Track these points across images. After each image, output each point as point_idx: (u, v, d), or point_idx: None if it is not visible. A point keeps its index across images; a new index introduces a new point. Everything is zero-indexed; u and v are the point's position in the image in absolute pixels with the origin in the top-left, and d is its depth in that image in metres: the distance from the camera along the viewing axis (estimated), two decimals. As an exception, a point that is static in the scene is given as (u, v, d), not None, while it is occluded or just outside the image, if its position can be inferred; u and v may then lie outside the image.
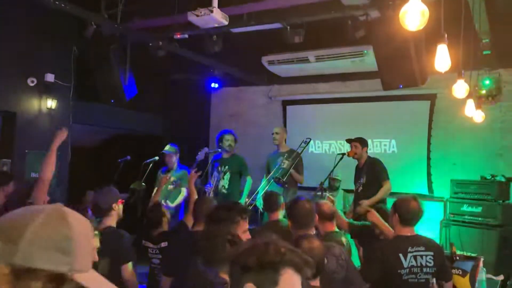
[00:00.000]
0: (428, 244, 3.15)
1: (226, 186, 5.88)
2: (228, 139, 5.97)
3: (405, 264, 3.05)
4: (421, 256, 3.08)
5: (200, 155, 5.76)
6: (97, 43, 6.02)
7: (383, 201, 5.35)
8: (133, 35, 5.85)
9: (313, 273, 2.34)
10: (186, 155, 6.37)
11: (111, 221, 3.32)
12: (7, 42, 5.83)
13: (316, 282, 2.40)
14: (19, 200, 3.45)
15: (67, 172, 6.54)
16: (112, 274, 2.83)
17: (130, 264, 3.16)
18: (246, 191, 5.88)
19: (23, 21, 5.92)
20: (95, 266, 2.38)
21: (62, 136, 3.83)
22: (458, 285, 3.61)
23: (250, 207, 5.65)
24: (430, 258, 3.08)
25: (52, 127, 6.33)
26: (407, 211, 3.17)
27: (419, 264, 3.06)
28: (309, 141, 5.99)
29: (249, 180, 5.92)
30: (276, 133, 6.12)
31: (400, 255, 3.06)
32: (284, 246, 1.42)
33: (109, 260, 2.92)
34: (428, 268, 3.07)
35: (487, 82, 6.20)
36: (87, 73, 6.51)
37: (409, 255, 3.07)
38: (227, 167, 5.93)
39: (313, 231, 3.05)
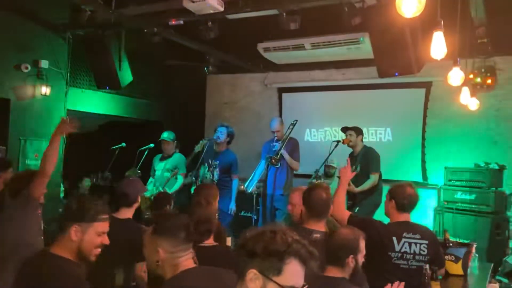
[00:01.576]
0: (423, 232, 3.17)
1: (216, 181, 5.82)
2: (219, 131, 5.95)
3: (397, 248, 3.08)
4: (415, 243, 3.10)
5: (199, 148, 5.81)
6: (92, 29, 5.98)
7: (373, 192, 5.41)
8: (128, 21, 5.80)
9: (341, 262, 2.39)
10: (182, 142, 6.36)
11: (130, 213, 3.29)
12: (1, 29, 5.76)
13: (343, 273, 2.43)
14: (17, 190, 3.35)
15: (62, 159, 6.52)
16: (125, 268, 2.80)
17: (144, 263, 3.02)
18: (234, 194, 5.86)
19: (17, 7, 5.85)
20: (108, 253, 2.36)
21: (65, 126, 3.30)
22: (451, 271, 3.66)
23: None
24: (424, 247, 3.10)
25: (47, 113, 6.32)
26: (403, 197, 3.19)
27: (412, 251, 3.08)
28: (295, 123, 5.98)
29: (235, 182, 5.90)
30: (277, 131, 6.08)
31: (394, 238, 3.09)
32: (292, 236, 1.45)
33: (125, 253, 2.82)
34: (421, 256, 3.09)
35: (482, 70, 6.22)
36: (82, 60, 6.47)
37: (403, 240, 3.09)
38: (217, 161, 5.89)
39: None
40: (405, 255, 3.08)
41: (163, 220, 2.16)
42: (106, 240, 2.20)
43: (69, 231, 2.12)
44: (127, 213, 3.26)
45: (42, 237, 3.50)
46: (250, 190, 5.95)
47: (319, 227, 2.88)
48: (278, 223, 3.74)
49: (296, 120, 5.99)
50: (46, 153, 3.25)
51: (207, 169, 5.90)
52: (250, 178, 6.01)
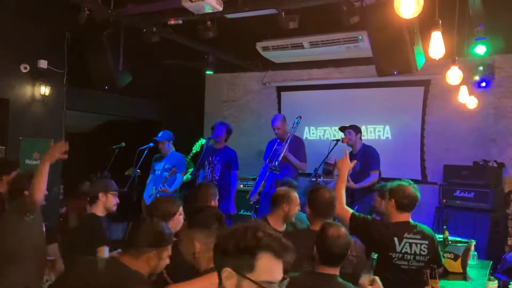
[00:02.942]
0: (424, 233, 3.17)
1: (217, 178, 5.88)
2: (218, 129, 5.98)
3: (398, 249, 3.08)
4: (416, 244, 3.09)
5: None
6: (90, 28, 5.96)
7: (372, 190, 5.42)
8: (127, 20, 5.79)
9: (336, 261, 2.39)
10: (181, 141, 6.37)
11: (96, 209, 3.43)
12: (-1, 28, 5.76)
13: (336, 271, 2.43)
14: (18, 191, 3.35)
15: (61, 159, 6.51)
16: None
17: (104, 248, 3.22)
18: (233, 193, 5.89)
19: (15, 6, 5.84)
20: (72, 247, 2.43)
21: (55, 152, 3.20)
22: (450, 269, 3.68)
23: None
24: (424, 247, 3.10)
25: (45, 113, 6.32)
26: (403, 196, 3.18)
27: (413, 252, 3.08)
28: (299, 120, 5.99)
29: (234, 177, 5.93)
30: (278, 128, 6.09)
31: (395, 238, 3.08)
32: (264, 231, 1.41)
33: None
34: (421, 257, 3.09)
35: (481, 68, 6.23)
36: (81, 59, 6.46)
37: (404, 240, 3.09)
38: (218, 158, 5.92)
39: None
40: (405, 255, 3.08)
41: (196, 213, 2.22)
42: (168, 261, 2.30)
43: (146, 255, 2.20)
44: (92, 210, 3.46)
45: (44, 238, 3.51)
46: (252, 199, 5.91)
47: None
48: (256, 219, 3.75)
49: (300, 117, 5.98)
50: (34, 180, 3.14)
51: (207, 167, 5.92)
52: (253, 186, 6.03)
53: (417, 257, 3.09)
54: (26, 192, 3.26)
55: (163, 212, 2.78)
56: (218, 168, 5.90)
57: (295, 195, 3.65)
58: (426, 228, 3.30)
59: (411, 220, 3.23)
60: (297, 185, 4.71)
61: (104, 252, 3.18)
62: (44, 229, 3.53)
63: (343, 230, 2.46)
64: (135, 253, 2.20)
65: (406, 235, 3.10)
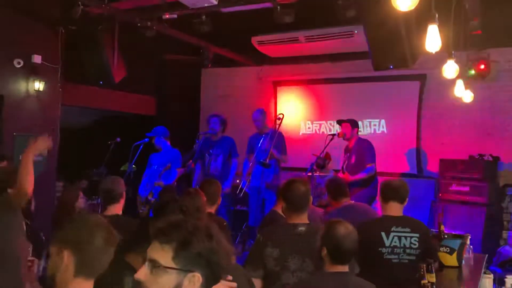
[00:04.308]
0: (414, 225, 3.17)
1: (219, 169, 5.93)
2: (212, 122, 6.02)
3: (387, 243, 3.08)
4: (406, 237, 3.09)
5: (196, 148, 5.86)
6: (85, 23, 5.93)
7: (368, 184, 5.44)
8: (121, 15, 5.76)
9: (348, 258, 2.39)
10: (177, 136, 6.35)
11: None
12: (-8, 23, 5.71)
13: (346, 268, 2.42)
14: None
15: (57, 154, 6.49)
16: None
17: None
18: (231, 175, 5.92)
19: (9, 0, 5.79)
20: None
21: (38, 145, 3.14)
22: (446, 263, 3.69)
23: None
24: (415, 240, 3.10)
25: (40, 109, 6.27)
26: (387, 188, 3.25)
27: (402, 245, 3.08)
28: (282, 117, 6.01)
29: (234, 164, 5.99)
30: (257, 120, 6.14)
31: (383, 233, 3.09)
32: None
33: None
34: (412, 250, 3.09)
35: (476, 62, 6.23)
36: (75, 54, 6.42)
37: (392, 234, 3.09)
38: (219, 149, 5.95)
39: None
40: (395, 249, 3.08)
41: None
42: None
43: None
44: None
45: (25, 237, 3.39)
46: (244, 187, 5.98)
47: (301, 219, 2.87)
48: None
49: (282, 114, 6.00)
50: (20, 174, 3.09)
51: (207, 159, 5.92)
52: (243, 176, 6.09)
53: (407, 250, 3.09)
54: (10, 190, 3.18)
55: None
56: (220, 159, 5.94)
57: None
58: (419, 222, 3.31)
59: (402, 213, 3.24)
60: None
61: None
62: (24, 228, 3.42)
63: (350, 226, 2.45)
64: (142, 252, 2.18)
65: (393, 228, 3.10)
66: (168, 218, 1.42)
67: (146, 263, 1.33)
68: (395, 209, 3.22)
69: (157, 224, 1.37)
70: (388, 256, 3.08)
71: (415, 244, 3.09)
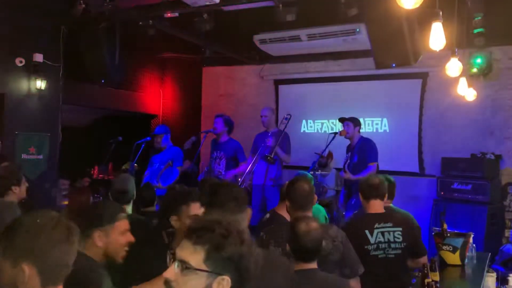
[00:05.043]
0: (397, 220, 3.24)
1: (223, 172, 5.89)
2: (215, 122, 5.99)
3: (372, 240, 3.13)
4: (389, 232, 3.15)
5: (187, 145, 5.80)
6: (86, 22, 5.92)
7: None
8: (122, 13, 5.75)
9: (310, 256, 2.38)
10: (178, 135, 6.35)
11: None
12: (-6, 22, 5.71)
13: (314, 265, 2.41)
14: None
15: (58, 153, 6.49)
16: None
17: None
18: (232, 173, 5.90)
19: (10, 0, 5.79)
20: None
21: None
22: (449, 261, 3.69)
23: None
24: (398, 234, 3.15)
25: (42, 108, 6.27)
26: (366, 185, 3.29)
27: (386, 240, 3.14)
28: (289, 118, 6.01)
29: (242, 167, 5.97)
30: (265, 116, 6.11)
31: (366, 231, 3.14)
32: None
33: None
34: (396, 244, 3.14)
35: (479, 60, 6.21)
36: (77, 53, 6.41)
37: (376, 231, 3.14)
38: (222, 152, 5.92)
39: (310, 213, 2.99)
40: (380, 244, 3.13)
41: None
42: (130, 237, 2.25)
43: (93, 237, 2.15)
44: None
45: None
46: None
47: None
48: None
49: (290, 115, 6.01)
50: None
51: (211, 161, 5.91)
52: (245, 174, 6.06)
53: (392, 245, 3.14)
54: (14, 187, 3.18)
55: None
56: (223, 162, 5.89)
57: None
58: (403, 216, 3.39)
59: (383, 210, 3.29)
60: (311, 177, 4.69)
61: None
62: None
63: (314, 224, 2.42)
64: (85, 242, 2.14)
65: (376, 225, 3.16)
66: (201, 218, 1.40)
67: (176, 263, 1.31)
68: (377, 206, 3.28)
69: (193, 223, 1.36)
70: (374, 253, 3.14)
71: (398, 238, 3.15)
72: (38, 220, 1.47)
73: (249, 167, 5.89)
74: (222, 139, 5.96)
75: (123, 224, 2.24)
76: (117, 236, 2.19)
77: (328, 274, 2.45)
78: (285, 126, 5.94)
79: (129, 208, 3.32)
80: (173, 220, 2.43)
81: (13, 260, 1.41)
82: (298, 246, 2.36)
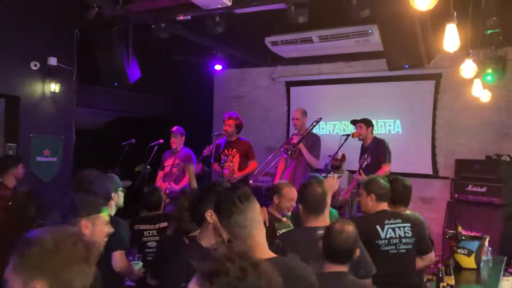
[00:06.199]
0: (405, 217, 3.32)
1: (236, 169, 5.92)
2: (224, 124, 6.01)
3: (383, 235, 3.17)
4: (399, 227, 3.22)
5: (206, 152, 5.85)
6: (99, 25, 5.97)
7: None
8: (135, 16, 5.79)
9: (342, 258, 2.36)
10: (191, 138, 6.36)
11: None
12: (9, 26, 5.79)
13: (345, 268, 2.39)
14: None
15: (72, 155, 6.56)
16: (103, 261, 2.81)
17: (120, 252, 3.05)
18: (245, 172, 5.92)
19: (24, 4, 5.86)
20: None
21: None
22: (464, 265, 3.64)
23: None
24: (408, 229, 3.22)
25: (56, 110, 6.34)
26: (380, 188, 3.34)
27: (397, 235, 3.19)
28: (319, 120, 6.01)
29: (253, 165, 5.98)
30: (297, 119, 6.07)
31: (377, 227, 3.19)
32: None
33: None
34: (407, 239, 3.20)
35: (494, 61, 6.12)
36: (90, 56, 6.47)
37: (386, 226, 3.20)
38: (235, 150, 5.95)
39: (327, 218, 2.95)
40: (391, 240, 3.18)
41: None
42: (110, 229, 2.38)
43: (79, 226, 2.24)
44: None
45: None
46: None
47: (320, 222, 2.81)
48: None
49: (320, 118, 6.00)
50: None
51: (223, 160, 5.91)
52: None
53: (403, 240, 3.19)
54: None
55: None
56: (236, 160, 5.94)
57: (288, 190, 3.67)
58: (411, 214, 3.44)
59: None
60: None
61: (121, 257, 3.04)
62: None
63: (350, 226, 2.42)
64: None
65: (386, 221, 3.22)
66: (209, 264, 1.21)
67: None
68: (385, 206, 3.37)
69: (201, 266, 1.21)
70: (385, 248, 3.17)
71: (408, 233, 3.22)
72: (56, 236, 1.34)
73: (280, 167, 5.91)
74: (233, 138, 6.02)
75: (106, 216, 2.39)
76: (101, 226, 2.33)
77: (358, 279, 2.43)
78: (313, 127, 5.94)
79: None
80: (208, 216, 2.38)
81: (25, 277, 1.29)
82: (329, 245, 2.37)
